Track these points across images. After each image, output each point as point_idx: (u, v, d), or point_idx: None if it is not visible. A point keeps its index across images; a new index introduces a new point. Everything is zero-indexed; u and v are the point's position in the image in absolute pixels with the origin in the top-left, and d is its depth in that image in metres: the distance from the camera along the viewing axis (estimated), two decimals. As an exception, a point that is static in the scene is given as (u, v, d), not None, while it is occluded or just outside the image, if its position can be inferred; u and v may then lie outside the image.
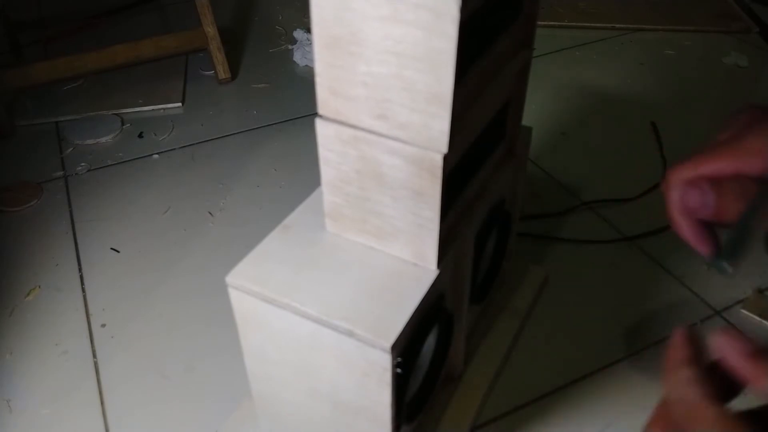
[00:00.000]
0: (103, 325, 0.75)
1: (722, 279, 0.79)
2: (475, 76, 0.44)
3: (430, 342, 0.53)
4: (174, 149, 1.05)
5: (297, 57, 1.29)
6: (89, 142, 1.07)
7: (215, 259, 0.84)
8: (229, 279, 0.46)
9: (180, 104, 1.16)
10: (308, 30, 1.32)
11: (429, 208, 0.43)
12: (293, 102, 1.16)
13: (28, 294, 0.80)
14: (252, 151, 1.04)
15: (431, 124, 0.39)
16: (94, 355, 0.72)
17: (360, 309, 0.43)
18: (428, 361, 0.54)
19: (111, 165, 1.02)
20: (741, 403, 0.31)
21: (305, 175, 0.98)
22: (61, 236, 0.88)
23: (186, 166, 1.01)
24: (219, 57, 1.20)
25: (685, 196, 0.36)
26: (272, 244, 0.49)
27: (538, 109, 1.13)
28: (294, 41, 1.34)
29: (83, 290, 0.80)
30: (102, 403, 0.67)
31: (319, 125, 0.43)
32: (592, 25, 1.40)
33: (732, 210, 0.36)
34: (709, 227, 0.37)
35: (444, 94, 0.37)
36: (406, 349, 0.44)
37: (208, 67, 1.24)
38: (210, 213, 0.92)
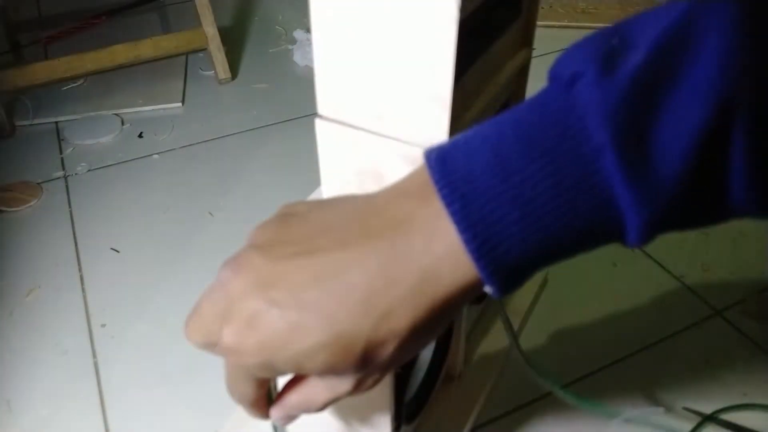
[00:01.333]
0: (103, 325, 0.75)
1: (722, 279, 0.79)
2: (474, 76, 0.44)
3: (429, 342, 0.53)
4: (174, 149, 1.05)
5: (297, 57, 1.29)
6: (89, 142, 1.07)
7: (215, 259, 0.83)
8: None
9: (180, 104, 1.16)
10: (308, 30, 1.32)
11: (429, 208, 0.43)
12: (293, 102, 1.16)
13: (28, 294, 0.80)
14: (252, 151, 1.04)
15: (431, 124, 0.39)
16: (94, 355, 0.72)
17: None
18: (428, 361, 0.54)
19: (111, 165, 1.02)
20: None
21: (305, 175, 0.98)
22: (61, 236, 0.88)
23: (186, 166, 1.01)
24: (219, 57, 1.20)
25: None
26: (272, 244, 0.49)
27: (538, 109, 1.12)
28: (294, 41, 1.34)
29: (83, 290, 0.80)
30: (102, 403, 0.67)
31: (319, 125, 0.43)
32: (592, 25, 1.39)
33: None
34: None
35: (443, 94, 0.37)
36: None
37: (208, 67, 1.24)
38: (210, 213, 0.92)
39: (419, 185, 0.27)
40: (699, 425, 0.62)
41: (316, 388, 0.31)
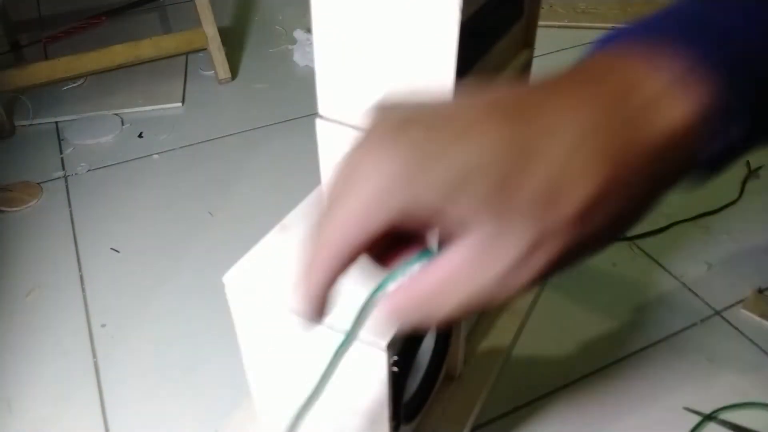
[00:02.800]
0: (103, 325, 0.75)
1: (722, 279, 0.79)
2: (476, 77, 0.44)
3: (429, 342, 0.53)
4: (174, 149, 1.05)
5: (297, 57, 1.29)
6: (89, 142, 1.07)
7: (215, 259, 0.84)
8: (226, 279, 0.46)
9: (180, 104, 1.16)
10: (308, 30, 1.32)
11: (428, 208, 0.43)
12: (293, 102, 1.16)
13: (28, 294, 0.80)
14: (252, 151, 1.04)
15: (431, 124, 0.39)
16: (94, 355, 0.72)
17: (357, 307, 0.43)
18: (427, 362, 0.54)
19: (111, 165, 1.02)
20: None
21: (305, 175, 0.98)
22: (61, 236, 0.88)
23: (186, 166, 1.01)
24: (219, 57, 1.20)
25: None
26: (270, 243, 0.49)
27: (538, 109, 1.12)
28: (294, 41, 1.34)
29: (83, 290, 0.80)
30: (102, 403, 0.67)
31: (319, 125, 0.43)
32: (592, 25, 1.39)
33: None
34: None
35: (445, 94, 0.37)
36: (403, 348, 0.44)
37: (208, 67, 1.24)
38: (210, 213, 0.92)
39: (603, 59, 0.27)
40: (699, 425, 0.63)
41: (458, 266, 0.24)
